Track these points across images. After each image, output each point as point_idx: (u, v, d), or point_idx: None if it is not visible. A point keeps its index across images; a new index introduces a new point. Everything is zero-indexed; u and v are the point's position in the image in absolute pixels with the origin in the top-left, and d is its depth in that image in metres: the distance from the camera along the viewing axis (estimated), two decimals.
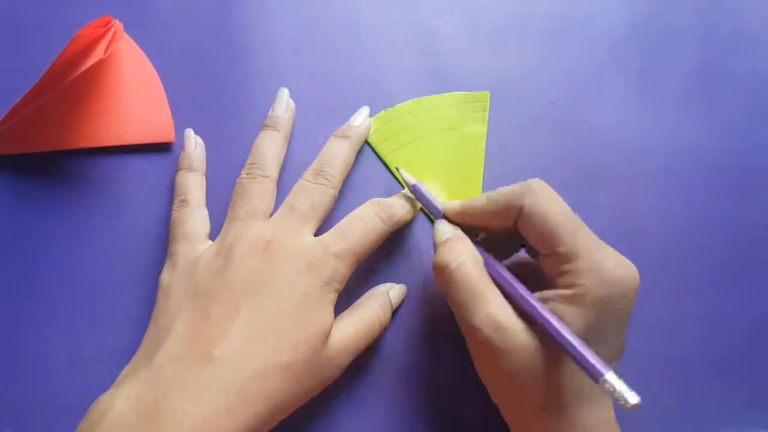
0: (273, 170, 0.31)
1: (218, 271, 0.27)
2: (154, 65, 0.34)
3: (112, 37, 0.30)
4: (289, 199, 0.30)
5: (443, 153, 0.34)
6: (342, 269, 0.27)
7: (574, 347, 0.23)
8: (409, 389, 0.31)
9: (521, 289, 0.26)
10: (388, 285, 0.31)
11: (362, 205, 0.30)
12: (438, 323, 0.32)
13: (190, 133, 0.33)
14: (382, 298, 0.30)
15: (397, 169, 0.33)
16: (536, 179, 0.27)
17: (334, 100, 0.35)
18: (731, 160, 0.36)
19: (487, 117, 0.35)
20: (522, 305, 0.25)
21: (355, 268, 0.28)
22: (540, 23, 0.37)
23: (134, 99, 0.33)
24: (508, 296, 0.26)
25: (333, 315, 0.27)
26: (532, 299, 0.25)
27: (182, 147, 0.33)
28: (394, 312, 0.31)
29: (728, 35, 0.38)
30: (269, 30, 0.36)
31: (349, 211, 0.32)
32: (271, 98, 0.34)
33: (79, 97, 0.31)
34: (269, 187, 0.30)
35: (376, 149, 0.34)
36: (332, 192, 0.30)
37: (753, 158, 0.36)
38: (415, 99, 0.35)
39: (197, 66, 0.35)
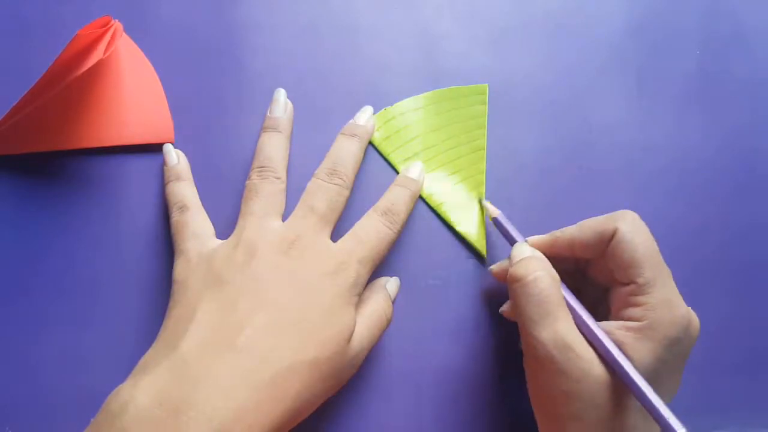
0: (282, 173, 0.31)
1: (242, 263, 0.27)
2: (154, 65, 0.34)
3: (112, 37, 0.30)
4: (306, 199, 0.30)
5: (445, 148, 0.34)
6: (364, 274, 0.28)
7: (646, 397, 0.23)
8: (402, 383, 0.31)
9: (592, 324, 0.25)
10: (384, 279, 0.31)
11: (368, 215, 0.30)
12: (435, 316, 0.32)
13: (169, 147, 0.33)
14: (384, 293, 0.30)
15: (480, 200, 0.33)
16: (627, 210, 0.27)
17: (335, 100, 0.34)
18: (731, 160, 0.36)
19: (486, 110, 0.35)
20: (593, 341, 0.25)
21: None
22: (540, 23, 0.37)
23: (134, 99, 0.33)
24: (578, 327, 0.26)
25: (355, 317, 0.27)
26: (605, 337, 0.25)
27: (164, 162, 0.32)
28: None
29: (728, 36, 0.38)
30: (269, 30, 0.35)
31: (353, 209, 0.32)
32: (271, 98, 0.34)
33: (78, 98, 0.31)
34: (280, 188, 0.30)
35: (378, 148, 0.34)
36: (347, 193, 0.30)
37: (752, 158, 0.36)
38: (414, 96, 0.35)
39: (197, 66, 0.35)
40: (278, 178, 0.30)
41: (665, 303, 0.25)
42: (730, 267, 0.34)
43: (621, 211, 0.27)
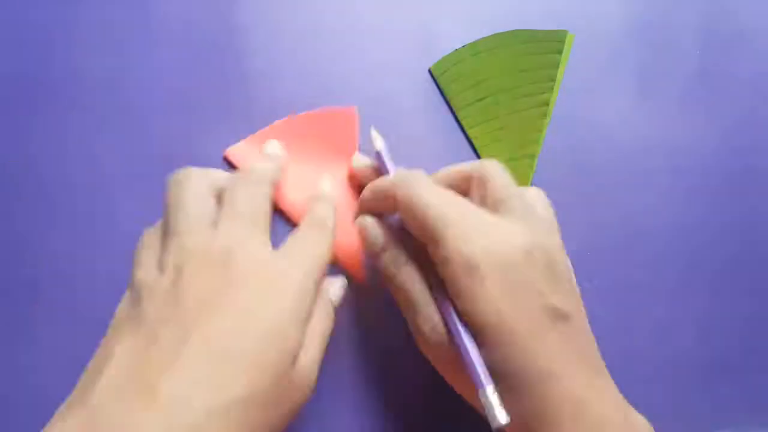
0: (207, 173, 0.27)
1: (165, 290, 0.23)
2: (154, 65, 0.34)
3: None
4: (227, 202, 0.26)
5: (507, 98, 0.33)
6: (310, 287, 0.25)
7: (462, 353, 0.23)
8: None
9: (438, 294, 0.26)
10: (326, 282, 0.28)
11: (302, 229, 0.27)
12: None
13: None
14: (324, 304, 0.27)
15: (371, 127, 0.32)
16: (403, 170, 0.27)
17: (335, 100, 0.34)
18: (731, 159, 0.36)
19: (561, 60, 0.32)
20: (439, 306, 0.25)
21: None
22: (540, 23, 0.37)
23: None
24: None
25: (302, 335, 0.24)
26: (444, 303, 0.25)
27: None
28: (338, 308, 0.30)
29: (728, 35, 0.38)
30: (269, 30, 0.35)
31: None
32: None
33: None
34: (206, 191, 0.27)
35: (444, 90, 0.33)
36: (267, 190, 0.27)
37: (753, 158, 0.36)
38: (487, 36, 0.33)
39: (197, 66, 0.35)
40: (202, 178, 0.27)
41: (455, 252, 0.24)
42: (729, 266, 0.34)
43: (397, 172, 0.27)
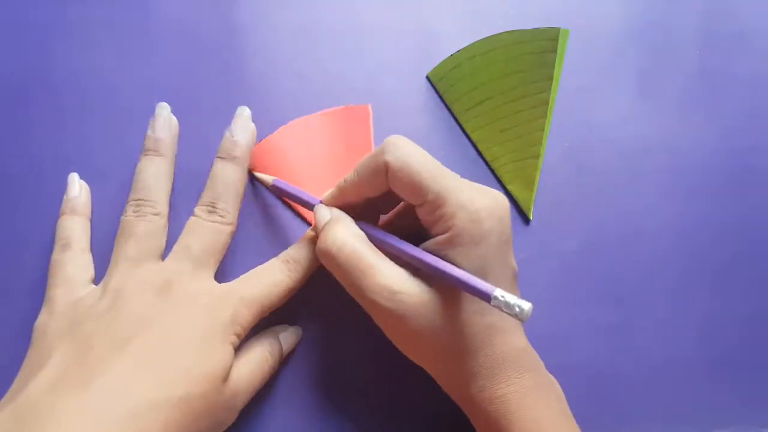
0: (162, 206, 0.29)
1: (104, 310, 0.26)
2: (154, 65, 0.34)
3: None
4: (184, 239, 0.28)
5: (506, 99, 0.33)
6: (246, 314, 0.27)
7: (457, 277, 0.24)
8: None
9: (403, 245, 0.26)
10: (281, 327, 0.30)
11: (272, 260, 0.29)
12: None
13: (74, 177, 0.31)
14: (271, 341, 0.29)
15: (253, 173, 0.32)
16: (394, 135, 0.26)
17: (335, 100, 0.34)
18: (731, 159, 0.36)
19: (556, 58, 0.32)
20: (407, 258, 0.26)
21: (259, 320, 0.28)
22: (540, 23, 0.37)
23: None
24: (398, 258, 0.26)
25: (233, 356, 0.26)
26: (412, 248, 0.25)
27: (66, 192, 0.31)
28: (290, 355, 0.31)
29: (728, 35, 0.38)
30: (269, 30, 0.35)
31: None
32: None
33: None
34: (160, 224, 0.28)
35: (443, 95, 0.33)
36: (229, 228, 0.29)
37: (752, 158, 0.36)
38: (484, 38, 0.33)
39: (197, 66, 0.35)
40: (157, 214, 0.28)
41: (461, 208, 0.24)
42: (729, 266, 0.34)
43: (387, 139, 0.26)
